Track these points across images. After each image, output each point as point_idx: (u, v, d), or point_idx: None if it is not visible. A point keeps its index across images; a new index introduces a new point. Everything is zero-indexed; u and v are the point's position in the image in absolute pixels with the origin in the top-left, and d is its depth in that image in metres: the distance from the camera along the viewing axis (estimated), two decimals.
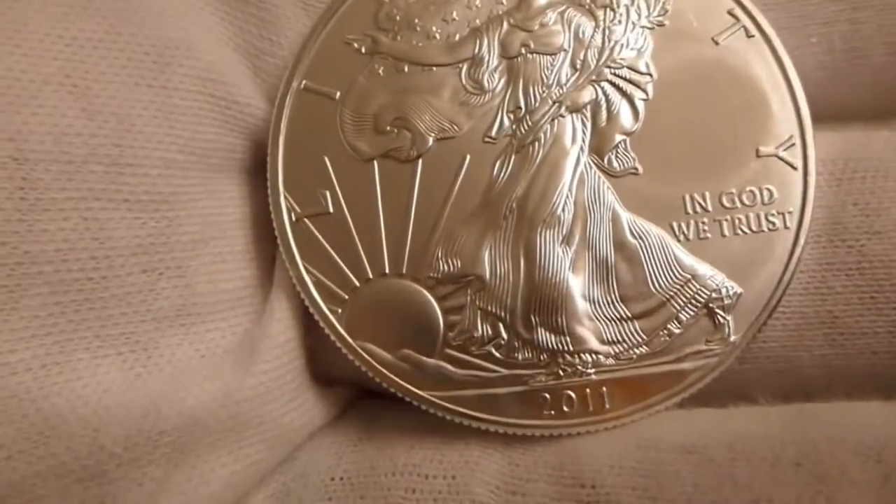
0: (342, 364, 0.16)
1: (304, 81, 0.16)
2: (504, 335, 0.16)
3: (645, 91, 0.16)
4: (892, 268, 0.16)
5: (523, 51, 0.17)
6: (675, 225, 0.16)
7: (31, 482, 0.14)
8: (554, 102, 0.16)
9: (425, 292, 0.16)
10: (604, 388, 0.16)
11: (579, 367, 0.16)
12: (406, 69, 0.17)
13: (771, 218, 0.16)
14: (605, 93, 0.16)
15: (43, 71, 0.15)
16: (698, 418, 0.16)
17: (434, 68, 0.17)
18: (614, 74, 0.16)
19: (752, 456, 0.15)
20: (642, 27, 0.17)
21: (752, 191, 0.16)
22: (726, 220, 0.16)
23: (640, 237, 0.16)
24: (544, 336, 0.16)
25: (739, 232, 0.16)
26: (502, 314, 0.16)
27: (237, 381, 0.16)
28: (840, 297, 0.16)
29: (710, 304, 0.16)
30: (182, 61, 0.16)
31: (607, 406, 0.16)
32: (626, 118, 0.16)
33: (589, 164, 0.16)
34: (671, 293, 0.16)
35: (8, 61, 0.15)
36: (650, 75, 0.16)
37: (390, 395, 0.16)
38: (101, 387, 0.15)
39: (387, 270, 0.16)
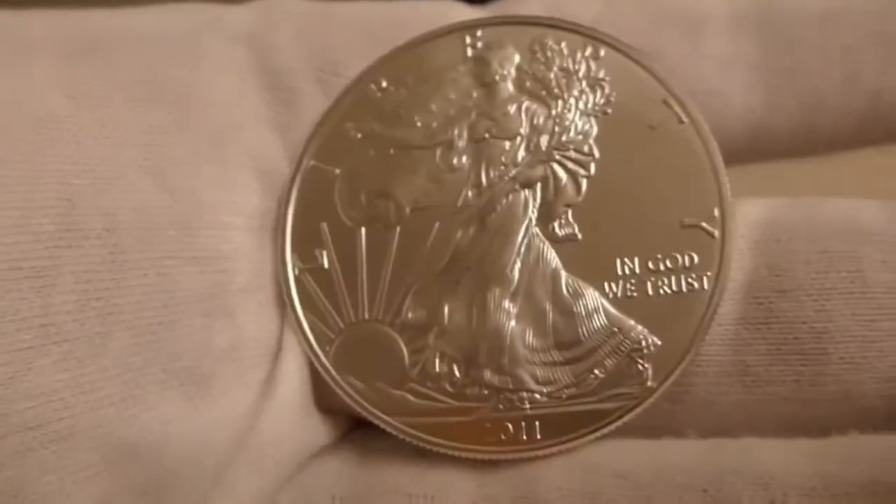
0: (336, 397, 0.20)
1: (312, 161, 0.20)
2: (456, 373, 0.19)
3: (588, 169, 0.19)
4: (795, 323, 0.18)
5: (487, 136, 0.20)
6: (606, 285, 0.19)
7: (109, 495, 0.18)
8: (509, 179, 0.19)
9: (395, 335, 0.19)
10: (536, 422, 0.18)
11: (517, 403, 0.19)
12: (392, 151, 0.20)
13: (690, 280, 0.18)
14: (553, 171, 0.19)
15: (127, 157, 0.19)
16: (634, 448, 0.19)
17: (415, 151, 0.20)
18: (562, 155, 0.19)
19: (670, 482, 0.18)
20: (588, 114, 0.19)
21: (675, 256, 0.18)
22: (651, 281, 0.18)
23: (575, 295, 0.19)
24: (489, 376, 0.19)
25: (662, 292, 0.18)
26: (456, 356, 0.19)
27: (264, 407, 0.19)
28: (751, 349, 0.18)
29: (632, 354, 0.18)
30: (235, 141, 0.20)
31: (538, 437, 0.18)
32: (570, 192, 0.19)
33: (536, 231, 0.19)
34: (598, 343, 0.18)
35: (100, 151, 0.19)
36: (593, 156, 0.19)
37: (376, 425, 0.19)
38: (166, 417, 0.18)
39: (366, 316, 0.20)
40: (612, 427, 0.18)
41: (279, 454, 0.20)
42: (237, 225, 0.20)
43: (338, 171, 0.20)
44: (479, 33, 0.20)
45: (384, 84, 0.21)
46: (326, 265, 0.20)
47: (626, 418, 0.18)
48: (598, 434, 0.18)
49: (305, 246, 0.20)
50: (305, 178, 0.20)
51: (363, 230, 0.20)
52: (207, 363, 0.19)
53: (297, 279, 0.20)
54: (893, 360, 0.17)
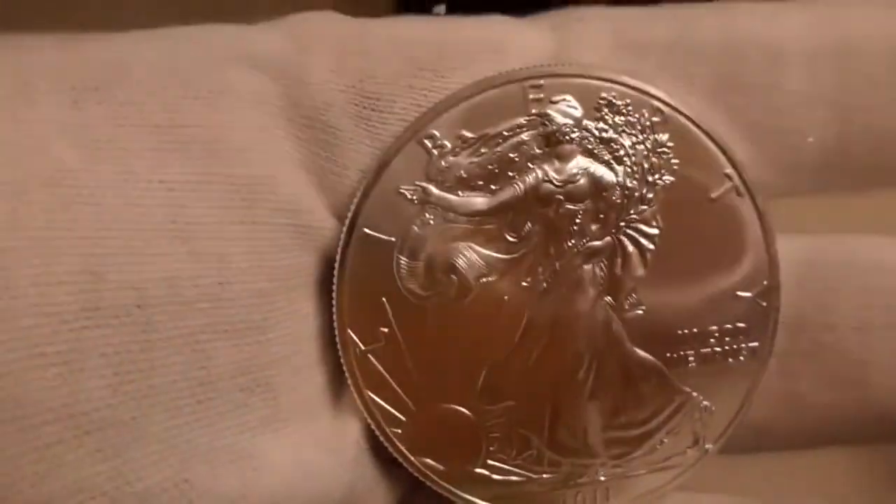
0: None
1: (364, 228, 0.18)
2: (533, 449, 0.20)
3: (654, 242, 0.19)
4: (842, 353, 0.21)
5: (554, 204, 0.19)
6: (668, 355, 0.20)
7: None
8: (578, 252, 0.19)
9: (470, 415, 0.19)
10: (607, 487, 0.20)
11: (590, 472, 0.20)
12: (453, 218, 0.19)
13: (743, 350, 0.20)
14: (620, 243, 0.19)
15: (153, 220, 0.16)
16: (697, 501, 0.21)
17: (477, 217, 0.19)
18: (628, 227, 0.19)
19: None
20: (653, 184, 0.19)
21: (728, 327, 0.20)
22: (707, 351, 0.20)
23: (641, 367, 0.20)
24: (566, 449, 0.20)
25: (716, 360, 0.20)
26: (533, 433, 0.20)
27: (331, 478, 0.19)
28: (802, 378, 0.21)
29: (693, 423, 0.20)
30: (267, 196, 0.18)
31: (609, 500, 0.20)
32: (636, 266, 0.19)
33: (604, 304, 0.19)
34: (663, 414, 0.20)
35: (125, 214, 0.16)
36: (658, 228, 0.19)
37: None
38: (224, 494, 0.17)
39: (437, 397, 0.19)
40: (673, 486, 0.20)
41: None
42: (270, 291, 0.18)
43: (394, 239, 0.19)
44: (541, 83, 0.19)
45: (438, 139, 0.19)
46: (391, 344, 0.19)
47: (685, 477, 0.20)
48: (660, 493, 0.20)
49: (366, 324, 0.19)
50: (358, 248, 0.19)
51: (427, 306, 0.19)
52: (248, 436, 0.18)
53: (359, 359, 0.19)
54: None
